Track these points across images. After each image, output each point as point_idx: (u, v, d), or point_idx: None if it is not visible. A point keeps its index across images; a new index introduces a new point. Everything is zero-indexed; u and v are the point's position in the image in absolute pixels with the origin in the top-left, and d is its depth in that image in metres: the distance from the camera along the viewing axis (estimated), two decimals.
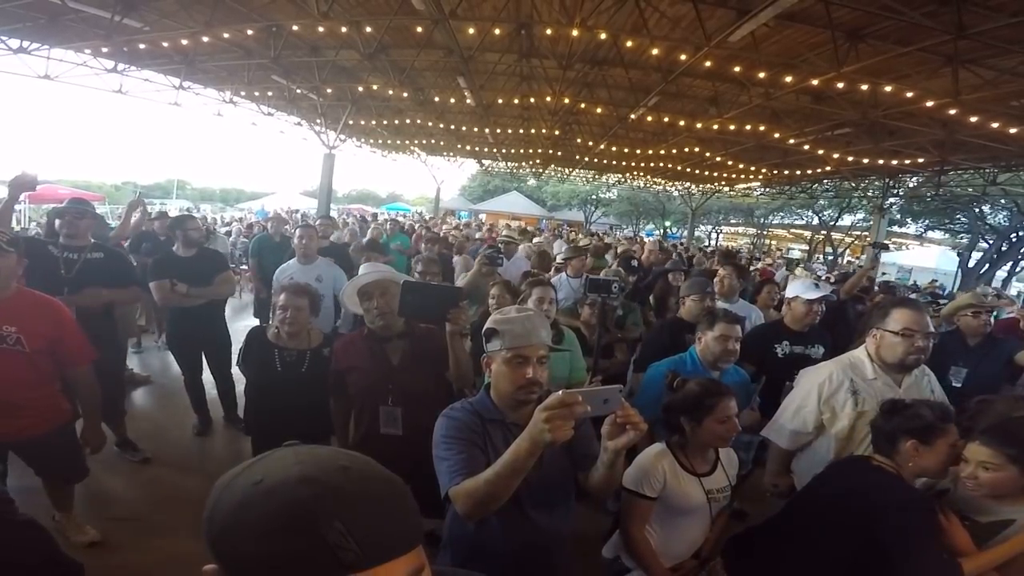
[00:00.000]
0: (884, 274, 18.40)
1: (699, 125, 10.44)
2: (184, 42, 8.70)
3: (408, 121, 15.08)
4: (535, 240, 9.07)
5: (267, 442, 2.59)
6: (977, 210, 19.41)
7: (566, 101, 10.39)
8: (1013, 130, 7.73)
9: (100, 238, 4.50)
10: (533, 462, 1.14)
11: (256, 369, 2.49)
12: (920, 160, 11.37)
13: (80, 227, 2.98)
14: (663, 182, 24.08)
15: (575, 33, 6.73)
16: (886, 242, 12.45)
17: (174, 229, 3.82)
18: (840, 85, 7.01)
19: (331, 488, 0.47)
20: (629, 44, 7.29)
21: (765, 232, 31.11)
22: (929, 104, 7.14)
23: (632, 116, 10.79)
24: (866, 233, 18.98)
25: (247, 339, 2.56)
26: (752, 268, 8.52)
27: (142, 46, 9.00)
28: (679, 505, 1.74)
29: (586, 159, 18.94)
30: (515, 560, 1.42)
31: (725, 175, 18.59)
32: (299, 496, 0.46)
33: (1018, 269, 19.72)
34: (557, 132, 14.45)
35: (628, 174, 22.52)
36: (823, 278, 6.87)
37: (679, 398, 1.88)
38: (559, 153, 18.77)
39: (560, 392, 1.07)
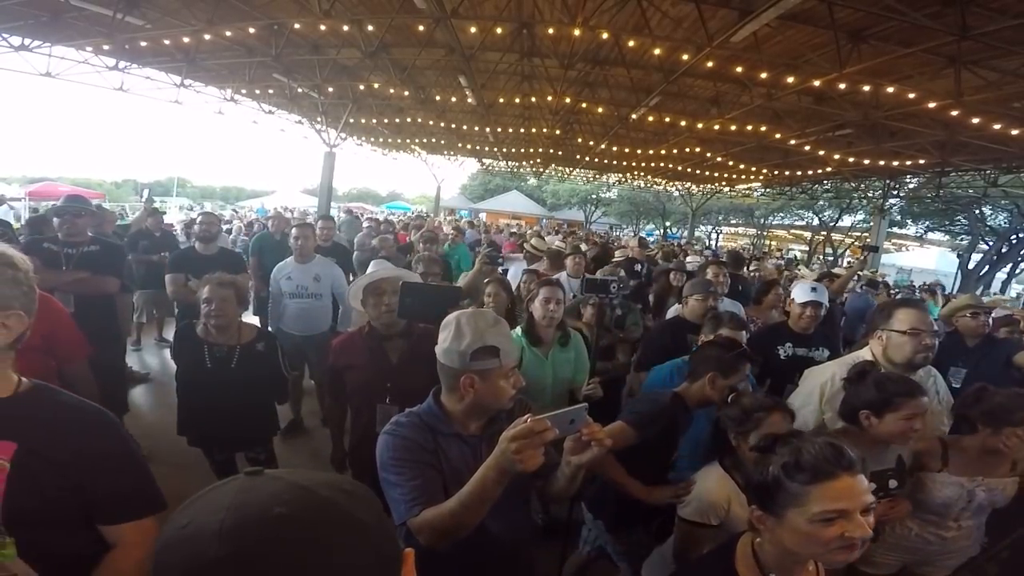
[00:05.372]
0: (885, 275, 18.37)
1: (700, 125, 10.44)
2: (186, 40, 8.70)
3: (409, 120, 15.09)
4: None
5: (201, 443, 2.52)
6: (977, 212, 19.41)
7: (567, 101, 10.39)
8: (1015, 131, 7.72)
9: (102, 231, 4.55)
10: (501, 490, 1.09)
11: (186, 366, 2.41)
12: (921, 161, 11.37)
13: (79, 225, 3.03)
14: (663, 182, 24.09)
15: (577, 33, 6.72)
16: (876, 245, 12.55)
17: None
18: (842, 86, 7.01)
19: (244, 549, 0.44)
20: (631, 44, 7.30)
21: (765, 233, 31.12)
22: (931, 105, 7.14)
23: (633, 116, 10.79)
24: (866, 234, 18.97)
25: (177, 335, 2.49)
26: (753, 270, 8.43)
27: (144, 44, 9.00)
28: (740, 527, 1.65)
29: (587, 159, 18.94)
30: (474, 569, 1.36)
31: (726, 175, 18.59)
32: (206, 555, 0.44)
33: (1018, 271, 19.73)
34: (558, 131, 14.46)
35: (628, 174, 22.53)
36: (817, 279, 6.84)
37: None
38: (560, 152, 18.77)
39: (527, 419, 1.03)
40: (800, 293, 3.07)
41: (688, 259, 7.10)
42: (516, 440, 1.01)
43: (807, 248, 27.32)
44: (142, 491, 1.10)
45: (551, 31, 7.09)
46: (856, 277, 6.95)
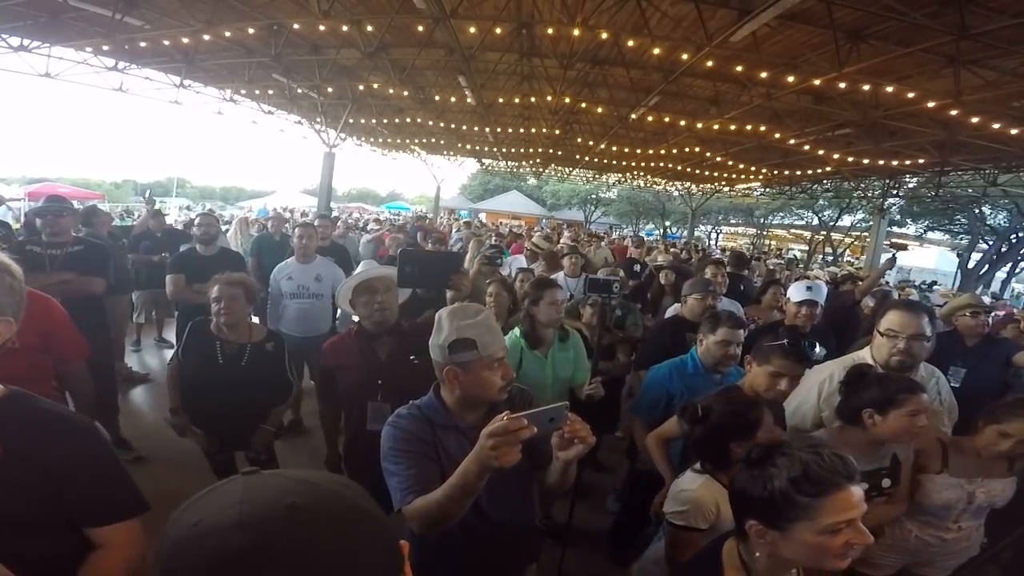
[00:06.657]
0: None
1: (700, 125, 10.44)
2: (185, 40, 8.69)
3: (408, 120, 15.08)
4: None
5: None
6: (977, 211, 19.40)
7: (567, 100, 10.38)
8: (1014, 131, 7.72)
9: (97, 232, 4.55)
10: (483, 484, 1.12)
11: (197, 362, 2.42)
12: (920, 161, 11.37)
13: (62, 224, 3.01)
14: (663, 182, 24.07)
15: (576, 32, 6.72)
16: (905, 243, 12.43)
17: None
18: (841, 85, 7.01)
19: (266, 537, 0.45)
20: (630, 44, 7.29)
21: (765, 232, 31.12)
22: (930, 105, 7.14)
23: (633, 116, 10.79)
24: (866, 234, 18.96)
25: (189, 331, 2.50)
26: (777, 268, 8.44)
27: (143, 44, 8.99)
28: (730, 526, 1.67)
29: (586, 159, 18.94)
30: (479, 557, 1.43)
31: (725, 175, 18.59)
32: (230, 546, 0.45)
33: (1017, 270, 19.72)
34: (557, 131, 14.45)
35: (628, 174, 22.52)
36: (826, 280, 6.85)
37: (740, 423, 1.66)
38: (559, 152, 18.76)
39: (504, 417, 1.04)
40: (796, 292, 3.08)
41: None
42: (492, 437, 1.03)
43: (807, 248, 27.32)
44: (123, 494, 1.12)
45: (550, 31, 7.08)
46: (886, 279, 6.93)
